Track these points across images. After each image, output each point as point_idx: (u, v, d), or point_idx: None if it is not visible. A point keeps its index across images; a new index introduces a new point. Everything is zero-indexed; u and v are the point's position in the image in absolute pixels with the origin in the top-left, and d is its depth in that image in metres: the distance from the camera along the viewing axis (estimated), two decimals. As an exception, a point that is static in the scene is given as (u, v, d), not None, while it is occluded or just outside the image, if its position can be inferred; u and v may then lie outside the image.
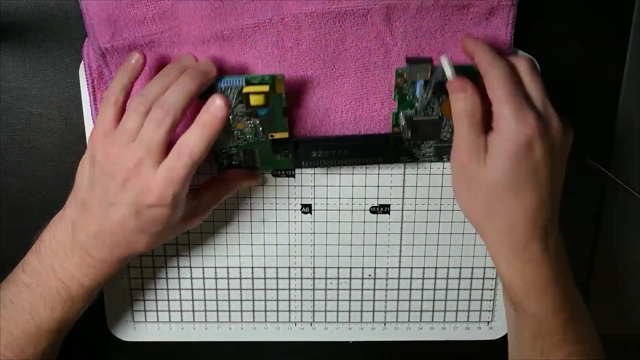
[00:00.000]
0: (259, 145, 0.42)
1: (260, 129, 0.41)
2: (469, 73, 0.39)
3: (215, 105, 0.37)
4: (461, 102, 0.37)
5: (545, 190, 0.37)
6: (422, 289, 0.49)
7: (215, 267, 0.48)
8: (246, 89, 0.39)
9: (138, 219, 0.37)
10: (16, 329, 0.39)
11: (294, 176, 0.46)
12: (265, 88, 0.39)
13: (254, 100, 0.39)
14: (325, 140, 0.43)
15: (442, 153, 0.44)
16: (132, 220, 0.37)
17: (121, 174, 0.36)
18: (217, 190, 0.43)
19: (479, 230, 0.41)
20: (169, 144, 0.37)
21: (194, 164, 0.36)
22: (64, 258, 0.39)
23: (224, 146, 0.43)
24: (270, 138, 0.42)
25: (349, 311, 0.50)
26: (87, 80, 0.42)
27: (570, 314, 0.39)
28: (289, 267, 0.48)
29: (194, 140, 0.36)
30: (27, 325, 0.39)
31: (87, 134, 0.44)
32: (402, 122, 0.42)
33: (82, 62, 0.42)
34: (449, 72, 0.38)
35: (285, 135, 0.42)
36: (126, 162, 0.36)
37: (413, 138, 0.43)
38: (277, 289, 0.49)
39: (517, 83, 0.37)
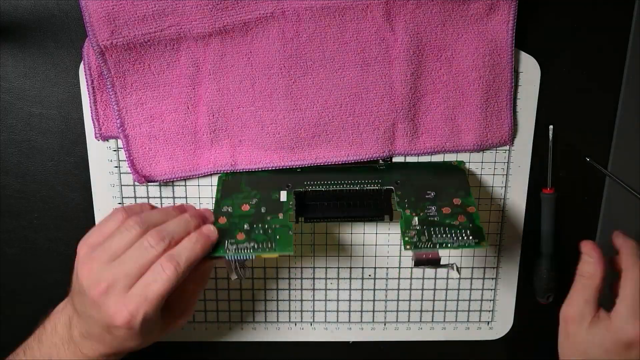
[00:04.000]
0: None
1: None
2: (451, 169, 0.43)
3: (209, 229, 0.38)
4: (585, 264, 0.42)
5: None
6: (422, 289, 0.49)
7: (215, 267, 0.48)
8: (258, 255, 0.39)
9: (112, 335, 0.37)
10: None
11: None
12: (275, 255, 0.39)
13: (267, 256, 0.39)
14: (326, 194, 0.43)
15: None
16: (107, 335, 0.37)
17: (92, 292, 0.36)
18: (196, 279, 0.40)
19: None
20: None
21: (177, 279, 0.35)
22: (61, 349, 0.39)
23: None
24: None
25: (349, 311, 0.50)
26: (87, 80, 0.42)
27: None
28: (289, 267, 0.48)
29: (184, 252, 0.36)
30: None
31: (87, 134, 0.44)
32: (409, 231, 0.41)
33: (82, 62, 0.42)
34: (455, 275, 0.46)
35: (275, 255, 0.39)
36: (99, 281, 0.35)
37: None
38: (277, 289, 0.49)
39: None
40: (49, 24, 0.43)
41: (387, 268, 0.49)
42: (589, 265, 0.41)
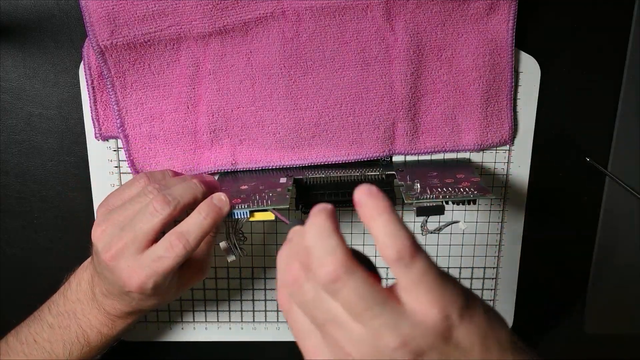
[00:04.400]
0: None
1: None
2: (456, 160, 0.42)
3: (221, 200, 0.37)
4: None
5: None
6: (422, 289, 0.49)
7: (215, 267, 0.48)
8: (252, 218, 0.39)
9: (128, 296, 0.37)
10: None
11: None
12: (271, 216, 0.39)
13: (263, 216, 0.39)
14: (325, 181, 0.43)
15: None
16: (124, 295, 0.38)
17: (104, 256, 0.36)
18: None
19: None
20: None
21: (186, 255, 0.36)
22: (85, 306, 0.40)
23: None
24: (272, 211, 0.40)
25: (349, 311, 0.50)
26: (87, 81, 0.42)
27: None
28: (289, 267, 0.48)
29: (193, 229, 0.36)
30: None
31: (87, 134, 0.44)
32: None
33: (82, 62, 0.42)
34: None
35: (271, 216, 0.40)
36: (110, 245, 0.36)
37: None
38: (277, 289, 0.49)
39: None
40: (49, 24, 0.43)
41: (387, 268, 0.49)
42: None
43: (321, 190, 0.43)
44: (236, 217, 0.38)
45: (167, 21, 0.40)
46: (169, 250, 0.35)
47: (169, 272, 0.36)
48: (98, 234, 0.37)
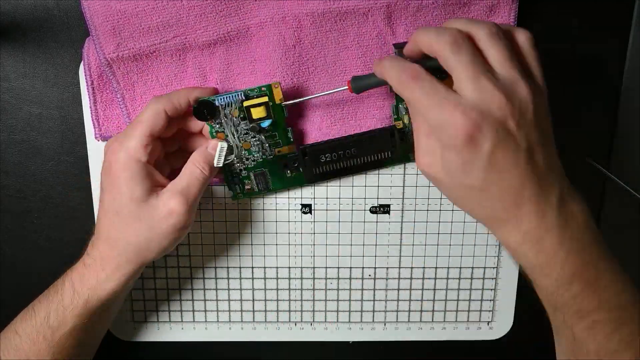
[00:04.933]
0: (268, 164, 0.43)
1: (267, 145, 0.42)
2: None
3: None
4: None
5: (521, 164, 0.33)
6: (422, 289, 0.49)
7: (215, 267, 0.48)
8: (246, 103, 0.40)
9: (102, 190, 0.39)
10: (25, 329, 0.41)
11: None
12: (265, 99, 0.40)
13: (256, 113, 0.41)
14: (331, 142, 0.43)
15: None
16: (101, 195, 0.39)
17: (107, 160, 0.39)
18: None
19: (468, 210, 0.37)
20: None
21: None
22: (76, 265, 0.41)
23: (234, 170, 0.43)
24: (277, 154, 0.43)
25: (349, 311, 0.50)
26: (86, 81, 0.42)
27: (585, 284, 0.34)
28: (289, 267, 0.48)
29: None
30: (31, 329, 0.40)
31: (87, 134, 0.44)
32: (402, 112, 0.42)
33: (82, 62, 0.42)
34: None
35: (292, 149, 0.43)
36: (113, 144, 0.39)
37: None
38: (277, 289, 0.49)
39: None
40: (49, 24, 0.43)
41: (387, 268, 0.49)
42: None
43: (328, 146, 0.43)
44: (229, 100, 0.40)
45: (172, 32, 0.40)
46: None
47: (149, 124, 0.38)
48: (105, 148, 0.40)
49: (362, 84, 0.38)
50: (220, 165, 0.41)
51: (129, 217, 0.38)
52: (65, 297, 0.40)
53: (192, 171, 0.40)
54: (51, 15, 0.43)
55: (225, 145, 0.41)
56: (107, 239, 0.39)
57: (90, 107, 0.43)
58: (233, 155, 0.42)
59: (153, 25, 0.40)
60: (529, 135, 0.33)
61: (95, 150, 0.45)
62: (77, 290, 0.40)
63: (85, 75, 0.42)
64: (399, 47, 0.39)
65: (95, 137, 0.44)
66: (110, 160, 0.38)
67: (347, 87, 0.39)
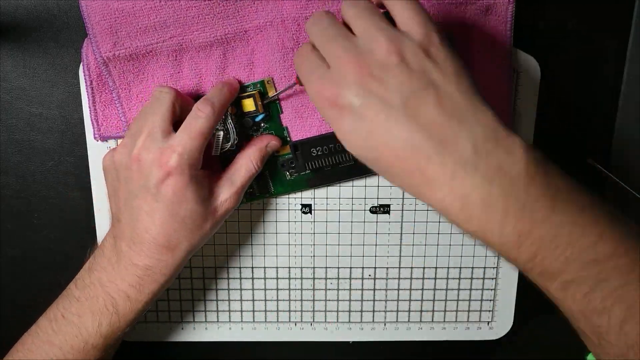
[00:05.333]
0: (266, 165, 0.43)
1: None
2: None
3: (232, 79, 0.41)
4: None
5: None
6: (422, 289, 0.49)
7: (215, 267, 0.48)
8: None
9: (159, 201, 0.37)
10: (65, 343, 0.40)
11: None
12: (254, 92, 0.41)
13: (247, 105, 0.41)
14: (322, 137, 0.43)
15: None
16: (155, 204, 0.37)
17: (129, 160, 0.38)
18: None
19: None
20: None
21: (214, 117, 0.38)
22: (110, 272, 0.39)
23: None
24: (275, 154, 0.43)
25: (349, 311, 0.50)
26: (86, 81, 0.42)
27: (539, 244, 0.29)
28: (289, 267, 0.48)
29: (215, 94, 0.39)
30: (75, 340, 0.40)
31: (87, 134, 0.44)
32: None
33: (82, 63, 0.42)
34: None
35: (286, 150, 0.43)
36: (133, 146, 0.38)
37: None
38: (277, 289, 0.49)
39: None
40: (49, 24, 0.43)
41: (387, 268, 0.49)
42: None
43: (320, 141, 0.43)
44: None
45: (169, 32, 0.40)
46: (198, 113, 0.38)
47: (202, 136, 0.37)
48: (111, 155, 0.39)
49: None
50: (217, 154, 0.41)
51: (197, 221, 0.39)
52: (120, 308, 0.39)
53: (248, 168, 0.41)
54: (51, 15, 0.43)
55: (221, 133, 0.41)
56: (166, 246, 0.38)
57: (90, 107, 0.43)
58: (229, 144, 0.42)
59: (150, 25, 0.40)
60: (402, 85, 0.30)
61: (95, 150, 0.45)
62: (135, 298, 0.39)
63: (84, 75, 0.42)
64: None
65: (95, 137, 0.44)
66: (169, 171, 0.37)
67: (295, 81, 0.40)
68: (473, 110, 0.30)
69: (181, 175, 0.37)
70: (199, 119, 0.37)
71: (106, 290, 0.39)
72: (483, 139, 0.29)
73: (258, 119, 0.42)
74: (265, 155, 0.42)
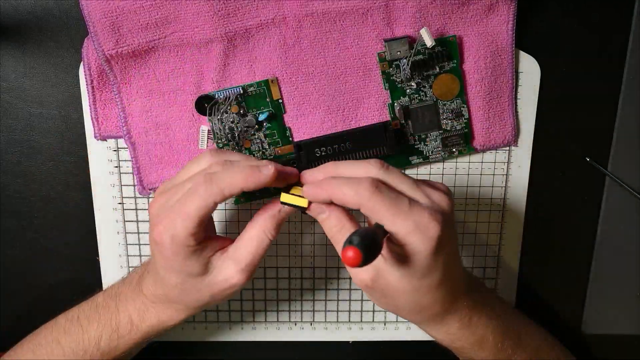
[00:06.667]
0: None
1: (266, 142, 0.43)
2: (449, 44, 0.42)
3: (267, 166, 0.35)
4: (326, 222, 0.37)
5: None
6: (422, 289, 0.49)
7: (215, 267, 0.48)
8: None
9: (155, 261, 0.37)
10: (68, 346, 0.41)
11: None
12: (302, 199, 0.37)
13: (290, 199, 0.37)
14: (327, 137, 0.43)
15: (450, 144, 0.44)
16: (154, 260, 0.37)
17: (151, 223, 0.37)
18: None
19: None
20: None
21: (214, 200, 0.34)
22: (129, 290, 0.41)
23: None
24: (277, 154, 0.43)
25: (349, 311, 0.50)
26: (86, 81, 0.42)
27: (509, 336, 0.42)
28: (289, 267, 0.48)
29: (227, 176, 0.34)
30: (77, 347, 0.40)
31: (87, 134, 0.44)
32: (397, 107, 0.43)
33: (82, 62, 0.42)
34: (428, 42, 0.40)
35: (291, 149, 0.43)
36: (158, 213, 0.36)
37: (414, 129, 0.43)
38: (277, 289, 0.49)
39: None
40: (49, 24, 0.43)
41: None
42: (329, 219, 0.36)
43: (323, 141, 0.43)
44: (227, 94, 0.42)
45: (170, 28, 0.40)
46: (198, 188, 0.34)
47: (194, 214, 0.33)
48: (151, 208, 0.37)
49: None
50: (204, 148, 0.41)
51: (190, 290, 0.38)
52: (121, 328, 0.40)
53: (260, 239, 0.37)
54: (51, 15, 0.43)
55: (206, 128, 0.41)
56: (166, 296, 0.39)
57: (90, 106, 0.43)
58: (222, 141, 0.42)
59: (152, 21, 0.40)
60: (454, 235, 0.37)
61: (95, 150, 0.45)
62: (136, 324, 0.40)
63: (84, 75, 0.42)
64: (389, 41, 0.41)
65: (95, 137, 0.44)
66: (160, 241, 0.35)
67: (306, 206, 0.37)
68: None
69: (167, 249, 0.35)
70: (193, 195, 0.34)
71: (117, 306, 0.41)
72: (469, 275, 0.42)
73: (263, 117, 0.42)
74: (279, 222, 0.37)
